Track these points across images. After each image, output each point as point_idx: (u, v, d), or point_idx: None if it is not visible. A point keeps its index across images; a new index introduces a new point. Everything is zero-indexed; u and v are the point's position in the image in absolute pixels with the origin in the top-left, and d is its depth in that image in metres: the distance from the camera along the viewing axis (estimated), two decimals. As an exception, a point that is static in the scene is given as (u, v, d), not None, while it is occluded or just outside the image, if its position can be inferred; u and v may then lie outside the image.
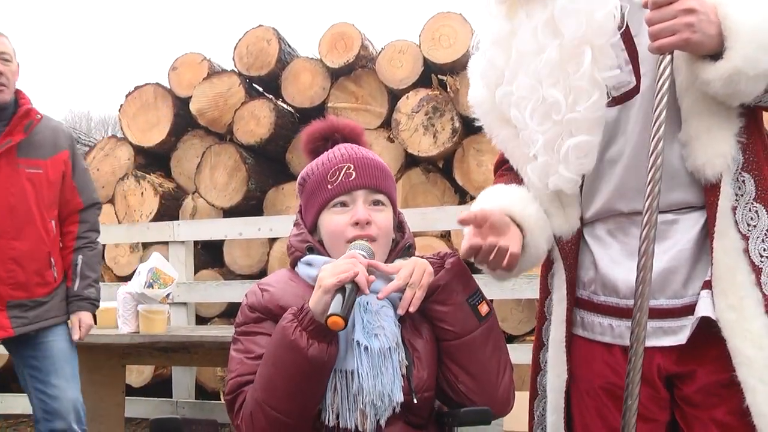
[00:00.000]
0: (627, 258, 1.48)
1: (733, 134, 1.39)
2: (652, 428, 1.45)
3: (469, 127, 4.51)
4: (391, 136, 4.63)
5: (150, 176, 5.14)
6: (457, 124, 4.45)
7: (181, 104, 5.17)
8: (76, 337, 2.94)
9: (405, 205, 4.47)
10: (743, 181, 1.40)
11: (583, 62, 1.40)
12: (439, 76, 4.64)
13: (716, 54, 1.32)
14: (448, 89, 4.52)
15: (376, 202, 1.63)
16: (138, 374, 4.88)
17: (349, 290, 1.43)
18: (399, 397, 1.48)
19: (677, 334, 1.43)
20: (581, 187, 1.53)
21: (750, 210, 1.40)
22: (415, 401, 1.51)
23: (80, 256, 2.99)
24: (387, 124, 4.70)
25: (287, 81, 4.96)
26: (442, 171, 4.70)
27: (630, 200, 1.46)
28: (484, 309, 1.58)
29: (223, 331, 3.33)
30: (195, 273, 4.80)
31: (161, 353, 3.58)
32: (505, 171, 1.70)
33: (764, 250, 1.39)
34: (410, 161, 4.69)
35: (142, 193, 5.05)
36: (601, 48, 1.41)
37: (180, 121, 5.17)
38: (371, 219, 1.59)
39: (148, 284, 3.26)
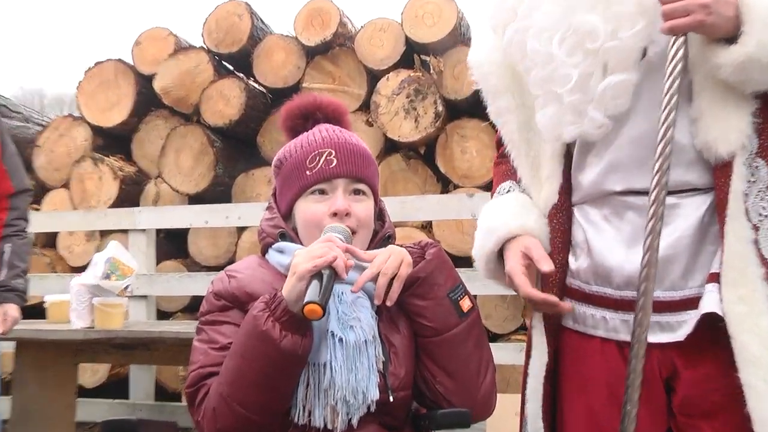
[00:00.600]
0: (621, 245, 1.45)
1: (749, 113, 1.36)
2: None
3: (453, 112, 4.50)
4: (370, 119, 4.61)
5: (109, 159, 5.06)
6: (440, 108, 4.43)
7: (145, 82, 5.10)
8: (0, 330, 2.87)
9: (384, 193, 4.44)
10: (757, 167, 1.36)
11: None
12: (421, 56, 4.62)
13: (731, 37, 1.30)
14: (432, 70, 4.50)
15: (357, 192, 1.63)
16: (92, 373, 4.82)
17: (327, 276, 1.41)
18: (374, 394, 1.48)
19: (675, 330, 1.41)
20: (570, 159, 1.51)
21: (762, 199, 1.36)
22: (392, 399, 1.50)
23: (8, 245, 2.91)
24: (366, 106, 4.67)
25: (259, 59, 4.91)
26: (424, 158, 4.69)
27: (624, 178, 1.44)
28: (466, 304, 1.58)
29: (186, 327, 3.28)
30: (157, 264, 4.75)
31: (118, 350, 3.52)
32: (500, 158, 1.70)
33: None
34: (390, 147, 4.67)
35: (100, 177, 4.98)
36: None
37: (143, 100, 5.10)
38: (351, 210, 1.59)
39: (104, 275, 3.20)
